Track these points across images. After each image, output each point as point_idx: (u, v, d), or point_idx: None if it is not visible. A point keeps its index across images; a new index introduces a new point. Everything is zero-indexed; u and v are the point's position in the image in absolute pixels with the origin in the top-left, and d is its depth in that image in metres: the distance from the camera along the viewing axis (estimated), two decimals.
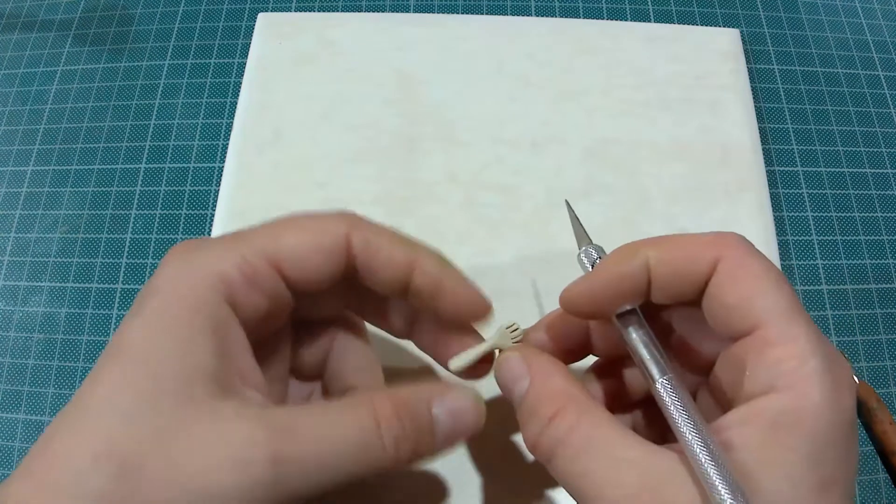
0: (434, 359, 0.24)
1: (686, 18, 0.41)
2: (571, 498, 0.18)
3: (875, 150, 0.38)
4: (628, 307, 0.21)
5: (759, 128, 0.36)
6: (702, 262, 0.19)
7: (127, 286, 0.34)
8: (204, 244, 0.20)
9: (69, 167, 0.37)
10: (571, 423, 0.18)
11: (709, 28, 0.40)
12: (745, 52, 0.38)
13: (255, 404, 0.19)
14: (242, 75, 0.37)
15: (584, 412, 0.19)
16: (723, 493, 0.15)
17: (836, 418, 0.17)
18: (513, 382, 0.21)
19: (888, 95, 0.39)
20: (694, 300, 0.20)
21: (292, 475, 0.17)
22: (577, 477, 0.18)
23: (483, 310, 0.22)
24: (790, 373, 0.17)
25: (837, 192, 0.37)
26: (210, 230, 0.34)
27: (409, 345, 0.25)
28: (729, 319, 0.19)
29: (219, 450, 0.17)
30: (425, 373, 0.29)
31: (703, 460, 0.16)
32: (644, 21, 0.41)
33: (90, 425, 0.17)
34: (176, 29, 0.41)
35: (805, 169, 0.37)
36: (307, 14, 0.40)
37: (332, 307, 0.24)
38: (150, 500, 0.16)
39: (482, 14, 0.41)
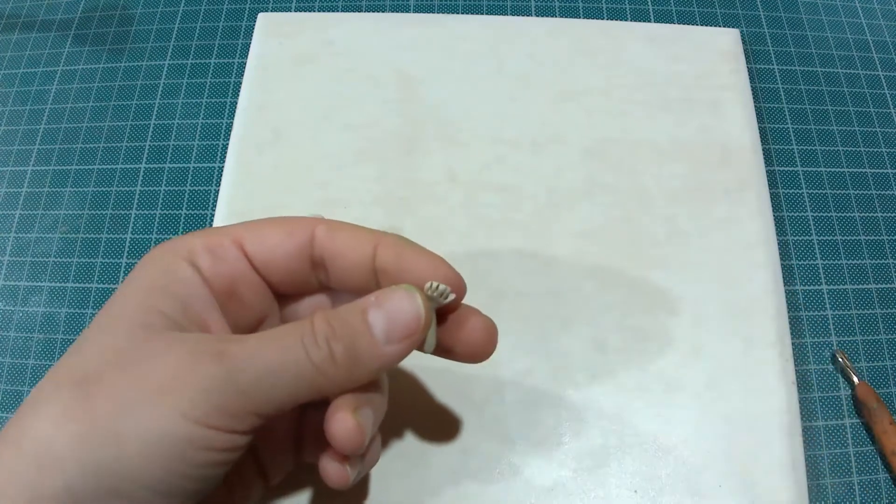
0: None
1: (686, 18, 0.41)
2: None
3: (875, 150, 0.38)
4: None
5: (759, 128, 0.36)
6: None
7: None
8: (179, 237, 0.22)
9: (69, 167, 0.37)
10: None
11: (709, 28, 0.40)
12: (745, 52, 0.38)
13: None
14: (242, 75, 0.37)
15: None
16: None
17: None
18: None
19: (888, 95, 0.39)
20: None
21: (241, 371, 0.18)
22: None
23: (450, 277, 0.22)
24: None
25: (837, 192, 0.37)
26: None
27: None
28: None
29: (172, 356, 0.18)
30: (423, 370, 0.29)
31: None
32: (644, 21, 0.41)
33: (57, 365, 0.19)
34: (176, 29, 0.41)
35: (805, 169, 0.37)
36: (307, 14, 0.40)
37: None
38: (107, 406, 0.17)
39: (482, 14, 0.41)
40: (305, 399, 0.19)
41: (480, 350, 0.22)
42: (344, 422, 0.19)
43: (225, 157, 0.35)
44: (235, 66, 0.39)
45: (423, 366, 0.29)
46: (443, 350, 0.22)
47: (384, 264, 0.21)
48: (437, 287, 0.21)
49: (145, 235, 0.35)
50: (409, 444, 0.28)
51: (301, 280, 0.22)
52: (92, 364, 0.18)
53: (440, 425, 0.28)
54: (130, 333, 0.19)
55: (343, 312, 0.20)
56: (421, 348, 0.21)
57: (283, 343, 0.19)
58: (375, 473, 0.27)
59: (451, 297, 0.21)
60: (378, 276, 0.22)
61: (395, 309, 0.20)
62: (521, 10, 0.41)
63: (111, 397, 0.17)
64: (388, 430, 0.28)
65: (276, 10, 0.41)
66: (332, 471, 0.21)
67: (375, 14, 0.40)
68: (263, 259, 0.21)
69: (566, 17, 0.41)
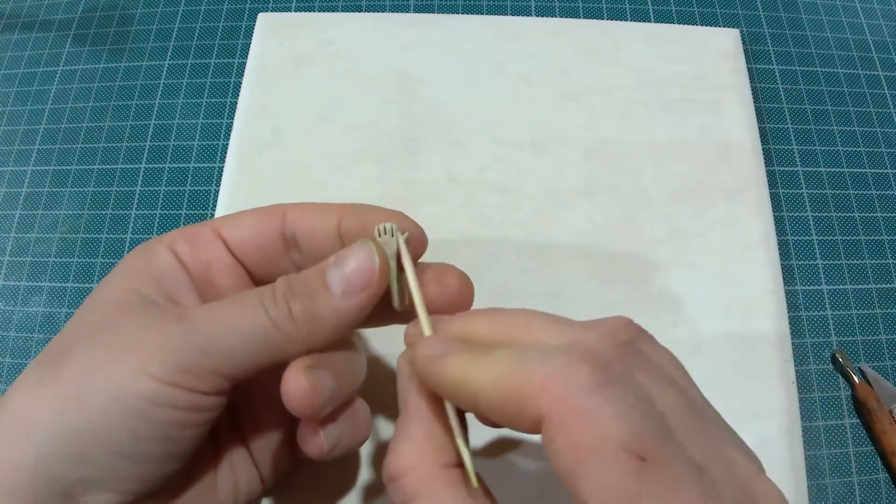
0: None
1: (686, 18, 0.41)
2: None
3: (875, 150, 0.38)
4: None
5: (759, 128, 0.36)
6: (525, 418, 0.16)
7: None
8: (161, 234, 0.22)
9: (69, 167, 0.37)
10: (410, 494, 0.17)
11: (709, 28, 0.40)
12: (745, 52, 0.38)
13: None
14: (242, 75, 0.37)
15: (424, 485, 0.17)
16: None
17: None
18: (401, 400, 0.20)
19: (888, 95, 0.39)
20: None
21: (199, 330, 0.18)
22: None
23: (408, 226, 0.22)
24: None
25: (837, 192, 0.37)
26: None
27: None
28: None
29: (136, 322, 0.19)
30: None
31: None
32: (644, 21, 0.41)
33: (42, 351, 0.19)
34: (176, 29, 0.41)
35: (805, 169, 0.37)
36: (307, 14, 0.40)
37: None
38: (74, 371, 0.18)
39: (482, 14, 0.41)
40: (269, 360, 0.19)
41: (457, 298, 0.22)
42: (295, 381, 0.19)
43: (225, 157, 0.35)
44: (235, 66, 0.39)
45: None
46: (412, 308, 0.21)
47: (348, 229, 0.22)
48: (385, 227, 0.21)
49: (145, 235, 0.35)
50: None
51: (276, 262, 0.23)
52: (66, 341, 0.19)
53: None
54: (105, 310, 0.19)
55: (303, 273, 0.20)
56: (392, 308, 0.21)
57: (243, 303, 0.19)
58: (375, 473, 0.27)
59: (404, 235, 0.21)
60: (344, 244, 0.22)
61: (350, 261, 0.20)
62: (521, 10, 0.41)
63: (78, 363, 0.18)
64: (388, 430, 0.28)
65: (276, 10, 0.41)
66: (307, 439, 0.20)
67: (375, 14, 0.40)
68: (239, 241, 0.22)
69: (566, 17, 0.41)
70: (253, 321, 0.19)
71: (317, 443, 0.20)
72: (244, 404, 0.23)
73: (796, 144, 0.38)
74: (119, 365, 0.18)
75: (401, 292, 0.21)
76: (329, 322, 0.20)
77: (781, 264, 0.32)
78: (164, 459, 0.19)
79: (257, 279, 0.23)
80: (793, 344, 0.31)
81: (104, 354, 0.18)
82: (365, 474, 0.27)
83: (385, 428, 0.28)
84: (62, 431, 0.17)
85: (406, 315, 0.22)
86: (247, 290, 0.22)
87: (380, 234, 0.21)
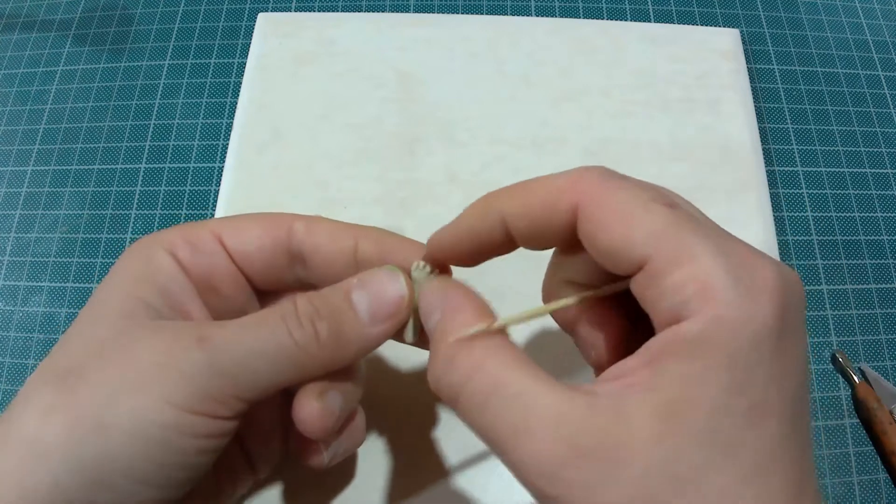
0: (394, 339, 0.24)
1: (686, 18, 0.41)
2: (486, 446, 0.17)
3: (875, 150, 0.38)
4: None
5: (759, 128, 0.36)
6: (559, 211, 0.18)
7: None
8: (158, 231, 0.22)
9: (69, 167, 0.37)
10: (476, 363, 0.16)
11: (709, 28, 0.40)
12: (745, 52, 0.38)
13: None
14: (242, 75, 0.37)
15: (491, 353, 0.17)
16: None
17: (758, 333, 0.14)
18: (427, 316, 0.19)
19: (888, 95, 0.39)
20: (570, 243, 0.18)
21: (222, 355, 0.18)
22: (485, 427, 0.16)
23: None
24: (694, 297, 0.15)
25: (837, 192, 0.37)
26: None
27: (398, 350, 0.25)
28: (613, 264, 0.17)
29: (153, 344, 0.18)
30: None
31: None
32: (644, 21, 0.41)
33: (43, 362, 0.19)
34: (176, 29, 0.41)
35: (805, 169, 0.37)
36: (307, 14, 0.40)
37: None
38: (91, 398, 0.17)
39: (482, 14, 0.41)
40: (289, 382, 0.19)
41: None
42: (308, 407, 0.19)
43: (225, 157, 0.35)
44: (235, 66, 0.39)
45: (421, 364, 0.29)
46: (423, 341, 0.22)
47: (366, 255, 0.22)
48: (425, 267, 0.21)
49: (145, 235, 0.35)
50: (408, 444, 0.28)
51: (279, 274, 0.22)
52: (75, 357, 0.18)
53: (440, 425, 0.28)
54: (112, 324, 0.19)
55: (326, 293, 0.20)
56: (401, 338, 0.21)
57: (265, 325, 0.19)
58: (375, 473, 0.27)
59: (434, 273, 0.21)
60: (360, 267, 0.22)
61: (379, 288, 0.20)
62: (521, 10, 0.41)
63: (94, 389, 0.17)
64: (387, 430, 0.28)
65: (276, 10, 0.41)
66: (309, 454, 0.21)
67: (375, 14, 0.40)
68: (241, 252, 0.22)
69: (566, 17, 0.41)
70: (276, 344, 0.19)
71: (318, 458, 0.21)
72: None
73: (796, 144, 0.38)
74: (140, 394, 0.17)
75: (415, 326, 0.21)
76: (354, 346, 0.20)
77: None
78: (183, 483, 0.19)
79: (256, 287, 0.23)
80: None
81: (122, 380, 0.17)
82: (365, 474, 0.27)
83: (385, 427, 0.28)
84: (81, 459, 0.17)
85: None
86: (255, 302, 0.23)
87: (415, 268, 0.21)
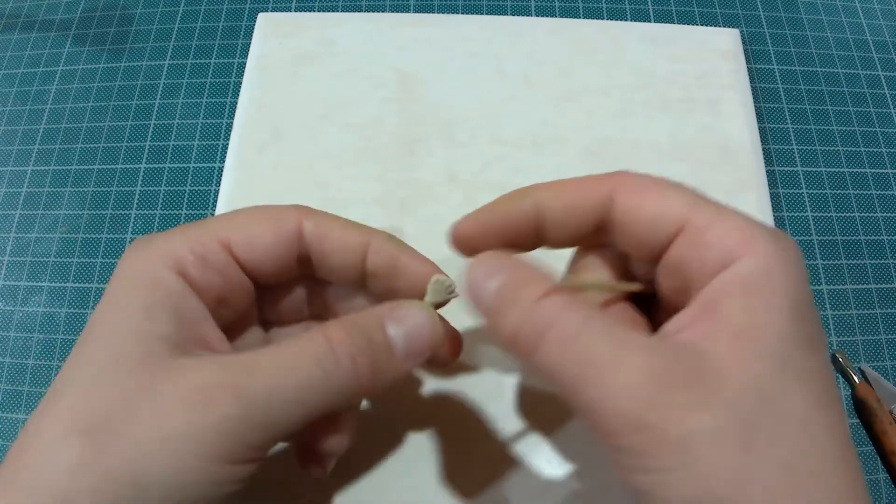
0: None
1: (686, 18, 0.41)
2: (562, 392, 0.17)
3: (875, 150, 0.38)
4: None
5: (759, 128, 0.36)
6: (595, 195, 0.19)
7: None
8: (159, 234, 0.21)
9: (69, 167, 0.37)
10: (562, 304, 0.17)
11: (709, 28, 0.40)
12: (745, 52, 0.38)
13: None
14: (242, 75, 0.37)
15: (570, 302, 0.17)
16: None
17: (800, 273, 0.17)
18: (486, 278, 0.19)
19: (888, 95, 0.39)
20: (592, 237, 0.20)
21: (258, 407, 0.17)
22: (572, 364, 0.16)
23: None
24: (742, 241, 0.17)
25: (837, 192, 0.37)
26: None
27: None
28: (653, 231, 0.18)
29: (183, 395, 0.17)
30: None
31: None
32: (644, 21, 0.41)
33: (58, 405, 0.17)
34: (176, 29, 0.41)
35: (805, 169, 0.37)
36: (307, 14, 0.40)
37: (296, 311, 0.24)
38: (124, 456, 0.16)
39: (482, 14, 0.41)
40: (321, 415, 0.19)
41: (452, 358, 0.24)
42: (317, 471, 0.22)
43: (225, 157, 0.35)
44: (235, 66, 0.39)
45: (421, 365, 0.29)
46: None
47: (375, 268, 0.22)
48: (448, 285, 0.21)
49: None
50: (408, 444, 0.28)
51: (285, 275, 0.22)
52: (98, 408, 0.17)
53: (440, 425, 0.28)
54: (133, 370, 0.18)
55: (362, 324, 0.20)
56: None
57: (300, 368, 0.18)
58: (375, 473, 0.27)
59: (456, 294, 0.21)
60: (368, 277, 0.22)
61: (416, 326, 0.20)
62: (521, 10, 0.41)
63: (126, 446, 0.17)
64: (388, 430, 0.28)
65: (276, 10, 0.41)
66: (310, 469, 0.22)
67: (375, 14, 0.40)
68: (252, 261, 0.21)
69: (566, 17, 0.41)
70: (313, 390, 0.18)
71: (320, 472, 0.22)
72: None
73: (796, 144, 0.38)
74: (175, 452, 0.17)
75: None
76: (389, 379, 0.20)
77: None
78: None
79: (260, 283, 0.22)
80: None
81: (155, 437, 0.17)
82: (365, 474, 0.27)
83: (383, 427, 0.28)
84: None
85: None
86: (260, 314, 0.23)
87: (435, 283, 0.21)
